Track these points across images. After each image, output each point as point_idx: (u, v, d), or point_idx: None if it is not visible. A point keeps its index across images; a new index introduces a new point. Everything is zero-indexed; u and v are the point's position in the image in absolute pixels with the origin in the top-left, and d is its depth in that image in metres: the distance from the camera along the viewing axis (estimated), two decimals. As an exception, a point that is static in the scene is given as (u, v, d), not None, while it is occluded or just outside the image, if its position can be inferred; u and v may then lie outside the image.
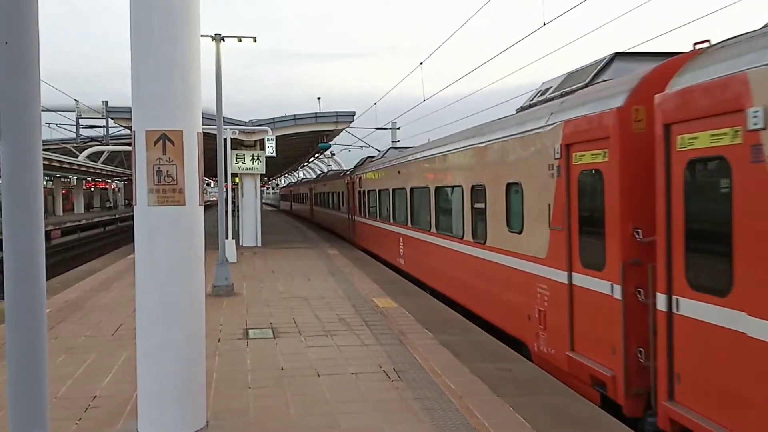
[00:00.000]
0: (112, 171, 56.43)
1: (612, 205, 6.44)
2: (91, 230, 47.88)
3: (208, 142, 10.46)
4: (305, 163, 56.61)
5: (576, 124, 7.23)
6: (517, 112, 9.96)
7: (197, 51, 5.66)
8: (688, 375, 5.32)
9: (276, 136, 22.76)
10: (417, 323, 10.39)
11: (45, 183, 49.34)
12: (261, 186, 29.41)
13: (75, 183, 61.69)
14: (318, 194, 41.11)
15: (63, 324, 10.68)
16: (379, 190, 20.00)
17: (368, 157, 26.61)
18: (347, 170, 31.02)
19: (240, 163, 22.86)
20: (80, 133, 48.76)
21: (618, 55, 8.02)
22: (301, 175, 73.84)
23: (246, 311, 11.71)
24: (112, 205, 79.29)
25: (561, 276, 7.60)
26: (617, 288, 6.35)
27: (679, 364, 5.44)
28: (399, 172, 16.86)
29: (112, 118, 25.03)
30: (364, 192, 23.17)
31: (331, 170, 46.65)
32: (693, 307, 5.25)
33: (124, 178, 68.53)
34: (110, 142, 50.02)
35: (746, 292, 4.65)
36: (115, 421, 6.15)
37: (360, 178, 24.01)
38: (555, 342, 7.75)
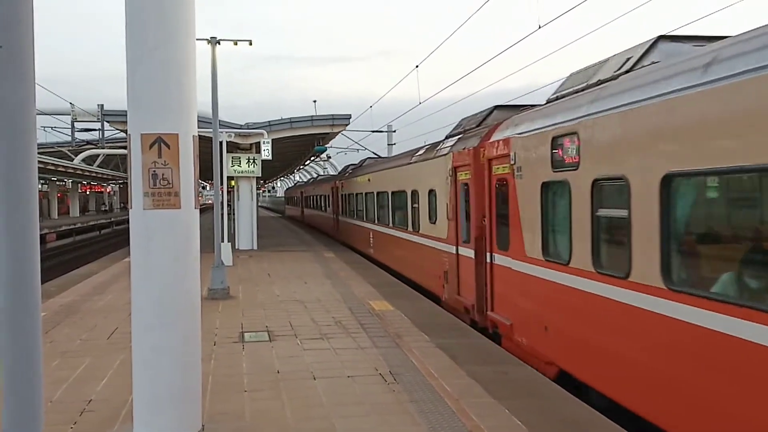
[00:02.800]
0: (107, 174, 56.40)
1: None
2: (86, 233, 47.76)
3: (204, 145, 10.45)
4: (301, 166, 56.62)
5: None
6: None
7: (193, 54, 5.66)
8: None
9: (272, 139, 22.78)
10: (413, 326, 10.39)
11: (40, 186, 49.24)
12: (257, 189, 29.31)
13: (70, 186, 61.63)
14: (348, 196, 25.84)
15: (58, 328, 10.65)
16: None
17: (519, 104, 11.83)
18: (428, 145, 15.74)
19: (236, 166, 22.87)
20: (75, 136, 48.70)
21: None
22: (297, 178, 72.88)
23: (242, 314, 11.70)
24: (107, 208, 79.14)
25: None
26: None
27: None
28: None
29: (108, 122, 25.04)
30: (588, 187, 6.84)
31: (371, 156, 28.13)
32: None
33: (120, 182, 68.45)
34: (106, 145, 50.00)
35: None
36: (111, 425, 6.14)
37: (528, 144, 8.48)
38: None
